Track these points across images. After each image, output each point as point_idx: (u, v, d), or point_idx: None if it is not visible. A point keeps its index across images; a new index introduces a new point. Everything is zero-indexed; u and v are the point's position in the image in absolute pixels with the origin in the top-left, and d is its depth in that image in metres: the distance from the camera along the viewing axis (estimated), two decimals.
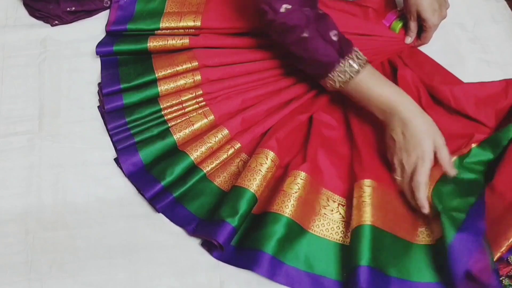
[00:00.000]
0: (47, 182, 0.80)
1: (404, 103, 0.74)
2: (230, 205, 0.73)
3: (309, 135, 0.82)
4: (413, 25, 0.93)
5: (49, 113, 0.87)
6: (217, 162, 0.80)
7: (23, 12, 0.99)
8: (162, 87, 0.85)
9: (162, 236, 0.75)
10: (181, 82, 0.86)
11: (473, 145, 0.79)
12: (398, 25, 0.94)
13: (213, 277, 0.72)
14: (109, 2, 0.98)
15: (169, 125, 0.83)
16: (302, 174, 0.75)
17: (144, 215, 0.77)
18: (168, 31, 0.92)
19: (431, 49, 0.96)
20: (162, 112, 0.83)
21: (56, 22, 0.97)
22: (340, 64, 0.74)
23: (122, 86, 0.85)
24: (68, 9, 0.96)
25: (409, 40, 0.94)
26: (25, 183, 0.80)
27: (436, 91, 0.87)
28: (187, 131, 0.82)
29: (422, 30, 0.93)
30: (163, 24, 0.91)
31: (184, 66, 0.87)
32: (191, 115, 0.84)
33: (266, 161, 0.76)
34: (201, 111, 0.84)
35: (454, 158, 0.77)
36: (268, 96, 0.86)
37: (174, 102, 0.84)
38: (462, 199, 0.73)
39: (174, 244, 0.75)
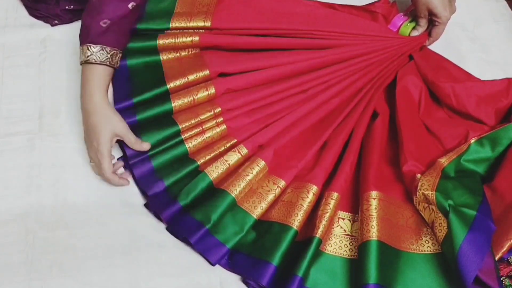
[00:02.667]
0: (47, 182, 0.80)
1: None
2: (271, 244, 0.72)
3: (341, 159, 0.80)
4: (423, 22, 0.94)
5: (49, 113, 0.87)
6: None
7: (23, 12, 0.99)
8: (176, 103, 0.82)
9: (162, 236, 0.75)
10: (194, 95, 0.83)
11: (472, 140, 0.80)
12: (407, 29, 0.94)
13: (213, 277, 0.72)
14: None
15: (198, 162, 0.79)
16: (335, 195, 0.75)
17: (144, 215, 0.77)
18: (178, 31, 0.90)
19: (432, 48, 0.96)
20: (182, 136, 0.80)
21: (56, 21, 0.97)
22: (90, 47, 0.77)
23: (134, 100, 0.82)
24: (67, 7, 0.95)
25: (416, 33, 0.94)
26: (25, 183, 0.79)
27: (439, 89, 0.87)
28: (218, 164, 0.78)
29: (433, 26, 0.94)
30: (173, 24, 0.90)
31: (195, 74, 0.85)
32: (218, 148, 0.81)
33: (308, 195, 0.75)
34: (230, 146, 0.81)
35: (419, 175, 0.76)
36: (295, 122, 0.84)
37: (192, 121, 0.81)
38: (470, 195, 0.73)
39: (174, 244, 0.75)
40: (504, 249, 0.69)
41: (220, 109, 0.82)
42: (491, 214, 0.71)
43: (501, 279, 0.69)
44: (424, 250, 0.72)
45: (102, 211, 0.77)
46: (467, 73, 0.90)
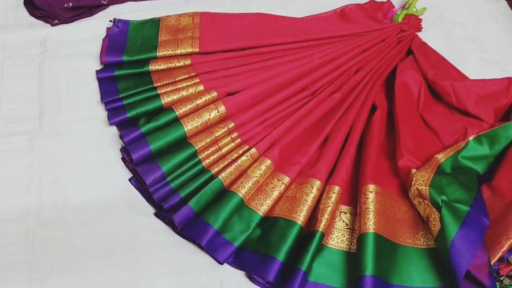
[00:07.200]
0: (47, 182, 0.80)
1: None
2: (277, 240, 0.72)
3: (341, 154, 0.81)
4: None
5: (49, 113, 0.87)
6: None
7: (23, 12, 0.99)
8: (188, 127, 0.81)
9: (162, 236, 0.75)
10: (206, 118, 0.82)
11: (471, 138, 0.80)
12: (399, 17, 0.97)
13: (213, 277, 0.72)
14: (107, 0, 0.98)
15: (213, 172, 0.78)
16: (336, 188, 0.76)
17: (144, 215, 0.77)
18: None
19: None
20: (200, 157, 0.79)
21: (56, 21, 0.97)
22: None
23: (142, 130, 0.81)
24: (66, 5, 0.95)
25: None
26: (25, 183, 0.79)
27: (439, 87, 0.88)
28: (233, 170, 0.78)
29: None
30: (160, 53, 0.90)
31: (204, 99, 0.84)
32: (231, 156, 0.80)
33: (312, 191, 0.76)
34: (243, 152, 0.80)
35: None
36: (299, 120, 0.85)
37: (208, 140, 0.80)
38: (464, 191, 0.73)
39: (174, 244, 0.75)
40: (504, 248, 0.69)
41: (233, 124, 0.82)
42: (486, 209, 0.71)
43: (501, 278, 0.69)
44: (420, 245, 0.73)
45: (102, 211, 0.77)
46: (464, 75, 0.91)
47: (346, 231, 0.75)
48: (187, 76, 0.88)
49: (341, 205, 0.77)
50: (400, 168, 0.77)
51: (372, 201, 0.73)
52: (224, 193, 0.76)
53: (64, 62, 0.92)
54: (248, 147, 0.81)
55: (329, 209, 0.73)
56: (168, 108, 0.84)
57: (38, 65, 0.92)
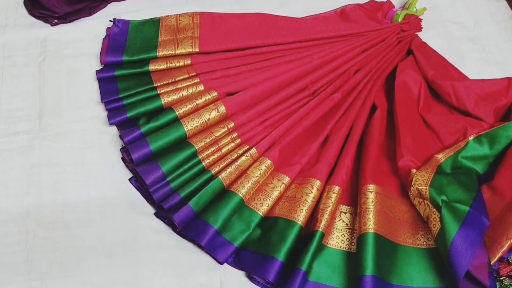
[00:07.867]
0: (47, 182, 0.80)
1: None
2: (277, 240, 0.72)
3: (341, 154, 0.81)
4: None
5: (49, 113, 0.87)
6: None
7: (23, 12, 0.99)
8: (188, 127, 0.81)
9: (162, 236, 0.75)
10: (205, 118, 0.82)
11: (471, 138, 0.80)
12: (399, 17, 0.98)
13: (213, 277, 0.72)
14: None
15: (213, 172, 0.78)
16: (336, 188, 0.76)
17: (144, 215, 0.77)
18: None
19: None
20: (200, 157, 0.79)
21: (56, 21, 0.97)
22: None
23: (142, 130, 0.81)
24: None
25: None
26: (25, 183, 0.80)
27: (439, 87, 0.88)
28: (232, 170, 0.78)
29: None
30: (160, 53, 0.90)
31: (204, 98, 0.84)
32: (231, 156, 0.80)
33: (312, 191, 0.76)
34: (243, 152, 0.80)
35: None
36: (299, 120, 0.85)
37: (208, 140, 0.80)
38: (464, 191, 0.74)
39: (174, 244, 0.75)
40: (504, 248, 0.69)
41: (233, 124, 0.82)
42: (486, 209, 0.71)
43: (501, 278, 0.69)
44: (420, 245, 0.73)
45: (102, 211, 0.77)
46: (464, 75, 0.91)
47: (346, 231, 0.75)
48: (187, 76, 0.88)
49: (341, 205, 0.77)
50: (400, 168, 0.78)
51: (372, 201, 0.73)
52: (224, 193, 0.76)
53: (64, 62, 0.93)
54: (248, 147, 0.81)
55: (329, 209, 0.73)
56: (168, 108, 0.84)
57: (38, 65, 0.92)
